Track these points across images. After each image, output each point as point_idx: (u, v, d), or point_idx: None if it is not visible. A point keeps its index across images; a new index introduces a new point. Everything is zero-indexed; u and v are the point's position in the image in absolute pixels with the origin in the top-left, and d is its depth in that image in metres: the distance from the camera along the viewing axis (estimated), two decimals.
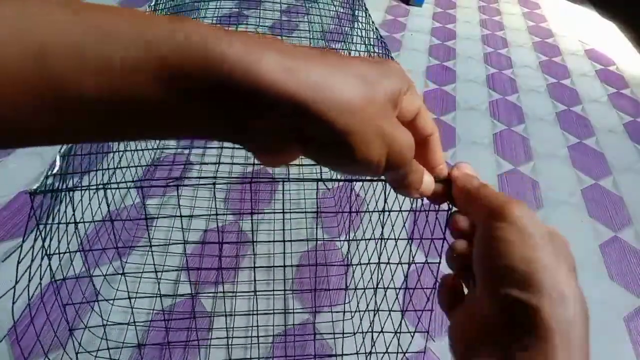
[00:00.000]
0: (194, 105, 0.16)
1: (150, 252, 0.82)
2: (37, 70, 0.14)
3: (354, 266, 0.77)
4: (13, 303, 0.43)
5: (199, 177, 0.41)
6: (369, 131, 0.18)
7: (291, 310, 0.77)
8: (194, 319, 0.74)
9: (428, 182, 0.23)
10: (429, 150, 0.23)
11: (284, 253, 0.85)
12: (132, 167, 0.53)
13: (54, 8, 0.14)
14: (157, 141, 1.04)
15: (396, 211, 0.48)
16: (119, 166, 0.71)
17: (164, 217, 0.90)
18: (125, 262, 0.81)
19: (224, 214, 0.93)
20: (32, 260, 0.41)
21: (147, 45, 0.15)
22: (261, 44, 0.16)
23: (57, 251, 0.45)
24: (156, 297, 0.75)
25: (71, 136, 0.16)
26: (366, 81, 0.18)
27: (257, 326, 0.74)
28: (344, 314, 0.77)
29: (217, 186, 0.96)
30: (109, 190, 0.88)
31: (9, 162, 0.98)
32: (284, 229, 0.89)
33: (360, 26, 0.87)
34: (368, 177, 0.25)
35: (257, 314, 0.76)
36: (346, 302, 0.79)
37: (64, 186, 0.40)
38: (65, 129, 0.16)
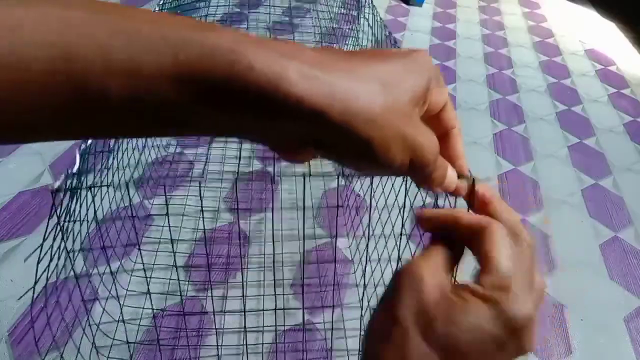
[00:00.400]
0: (214, 109, 0.16)
1: (157, 251, 0.82)
2: (62, 71, 0.14)
3: (364, 264, 0.77)
4: (32, 302, 0.43)
5: (220, 179, 0.41)
6: (389, 137, 0.18)
7: (297, 308, 0.77)
8: (201, 317, 0.74)
9: (452, 177, 0.22)
10: (450, 144, 0.23)
11: (302, 251, 0.85)
12: (142, 165, 0.53)
13: (79, 10, 0.15)
14: (164, 139, 1.04)
15: (410, 208, 0.48)
16: (128, 165, 0.71)
17: (177, 215, 0.90)
18: (134, 262, 0.81)
19: (232, 213, 0.93)
20: (51, 260, 0.41)
21: (173, 51, 0.15)
22: (285, 52, 0.16)
23: (72, 249, 0.45)
24: (167, 295, 0.75)
25: (89, 133, 0.17)
26: (388, 85, 0.18)
27: (256, 328, 0.74)
28: (361, 311, 0.77)
29: (223, 184, 0.96)
30: (111, 189, 0.88)
31: (9, 162, 0.98)
32: (301, 228, 0.89)
33: (368, 24, 0.87)
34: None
35: (259, 313, 0.76)
36: (345, 301, 0.79)
37: (80, 184, 0.40)
38: (85, 126, 0.16)
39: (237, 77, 0.15)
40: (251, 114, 0.16)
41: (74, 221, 0.44)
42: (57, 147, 1.02)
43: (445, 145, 0.23)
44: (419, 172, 0.20)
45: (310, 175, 0.38)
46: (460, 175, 0.23)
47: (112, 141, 0.60)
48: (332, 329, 0.74)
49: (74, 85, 0.14)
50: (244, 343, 0.71)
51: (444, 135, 0.23)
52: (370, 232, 0.65)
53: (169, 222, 0.62)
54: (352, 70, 0.17)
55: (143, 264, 0.65)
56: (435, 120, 0.22)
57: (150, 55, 0.15)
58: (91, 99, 0.15)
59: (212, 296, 0.78)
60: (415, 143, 0.18)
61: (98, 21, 0.14)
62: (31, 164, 0.98)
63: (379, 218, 0.82)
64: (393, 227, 0.59)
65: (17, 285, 0.76)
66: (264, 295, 0.79)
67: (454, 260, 0.22)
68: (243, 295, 0.78)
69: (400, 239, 0.57)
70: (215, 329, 0.73)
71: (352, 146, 0.18)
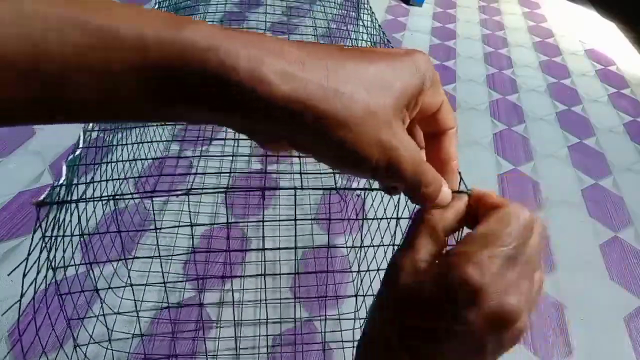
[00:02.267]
0: (186, 105, 0.16)
1: (152, 261, 0.82)
2: (33, 68, 0.14)
3: (363, 273, 0.77)
4: (19, 316, 0.43)
5: (214, 188, 0.41)
6: (363, 142, 0.17)
7: (294, 319, 0.77)
8: (200, 329, 0.74)
9: (446, 193, 0.21)
10: (444, 145, 0.23)
11: (298, 258, 0.85)
12: (136, 177, 0.53)
13: (53, 5, 0.14)
14: (161, 144, 1.04)
15: (406, 218, 0.48)
16: (122, 177, 0.71)
17: (174, 227, 0.90)
18: (129, 269, 0.81)
19: (230, 217, 0.93)
20: (38, 273, 0.41)
21: (145, 50, 0.15)
22: (265, 48, 0.16)
23: (62, 262, 0.45)
24: (162, 308, 0.75)
25: (59, 121, 0.17)
26: (372, 88, 0.17)
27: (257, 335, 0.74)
28: (357, 321, 0.77)
29: (216, 190, 0.96)
30: (105, 194, 0.88)
31: (9, 162, 0.98)
32: (299, 233, 0.89)
33: (365, 30, 0.87)
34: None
35: (258, 322, 0.76)
36: (343, 310, 0.79)
37: (69, 196, 0.40)
38: (56, 117, 0.16)
39: (211, 76, 0.15)
40: (224, 111, 0.16)
41: (63, 236, 0.44)
42: (57, 148, 1.02)
43: (439, 146, 0.23)
44: (397, 180, 0.19)
45: (302, 188, 0.37)
46: (455, 191, 0.23)
47: (104, 150, 0.59)
48: (326, 341, 0.74)
49: (45, 79, 0.14)
50: (238, 353, 0.71)
51: (439, 135, 0.23)
52: (369, 240, 0.64)
53: (157, 234, 0.62)
54: (336, 71, 0.17)
55: (129, 274, 0.65)
56: (431, 121, 0.22)
57: (122, 54, 0.15)
58: (62, 92, 0.15)
59: (203, 304, 0.78)
60: (392, 151, 0.18)
61: (72, 18, 0.14)
62: (31, 164, 0.98)
63: (378, 226, 0.82)
64: (392, 235, 0.59)
65: (18, 285, 0.76)
66: (260, 301, 0.79)
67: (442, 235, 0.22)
68: (241, 302, 0.78)
69: (396, 247, 0.57)
70: (205, 338, 0.73)
71: (325, 148, 0.17)
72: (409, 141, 0.19)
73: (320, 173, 0.95)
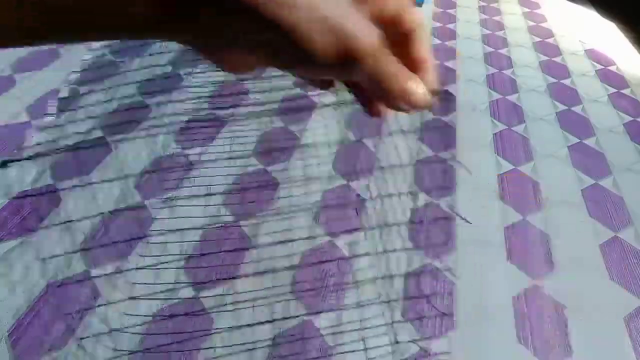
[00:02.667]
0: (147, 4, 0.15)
1: (160, 268, 0.82)
2: None
3: (378, 264, 0.77)
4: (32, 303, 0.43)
5: (222, 184, 0.41)
6: (316, 30, 0.16)
7: (296, 316, 0.77)
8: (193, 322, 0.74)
9: (420, 93, 0.19)
10: (413, 45, 0.21)
11: (301, 254, 0.85)
12: (131, 176, 0.53)
13: None
14: (167, 140, 1.04)
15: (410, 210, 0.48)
16: (128, 161, 0.71)
17: (183, 212, 0.90)
18: (135, 267, 0.81)
19: (232, 217, 0.93)
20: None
21: None
22: None
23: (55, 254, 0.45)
24: (169, 296, 0.75)
25: (58, 37, 0.16)
26: None
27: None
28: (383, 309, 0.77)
29: (216, 189, 0.96)
30: (110, 191, 0.88)
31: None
32: (300, 228, 0.89)
33: None
34: None
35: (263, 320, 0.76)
36: (345, 302, 0.79)
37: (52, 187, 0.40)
38: (37, 30, 0.15)
39: None
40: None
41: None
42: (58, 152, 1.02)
43: (407, 47, 0.21)
44: (356, 73, 0.18)
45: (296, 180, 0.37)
46: (434, 92, 0.21)
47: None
48: (325, 334, 0.74)
49: None
50: (254, 349, 0.71)
51: (406, 38, 0.20)
52: (370, 233, 0.65)
53: (167, 217, 0.61)
54: None
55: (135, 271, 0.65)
56: (392, 24, 0.20)
57: None
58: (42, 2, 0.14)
59: (213, 296, 0.78)
60: (344, 29, 0.17)
61: None
62: (31, 164, 0.98)
63: (380, 217, 0.82)
64: (392, 227, 0.59)
65: (18, 285, 0.76)
66: (279, 296, 0.79)
67: None
68: (242, 302, 0.78)
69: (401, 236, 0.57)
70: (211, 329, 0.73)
71: (266, 36, 0.16)
72: (365, 25, 0.17)
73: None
